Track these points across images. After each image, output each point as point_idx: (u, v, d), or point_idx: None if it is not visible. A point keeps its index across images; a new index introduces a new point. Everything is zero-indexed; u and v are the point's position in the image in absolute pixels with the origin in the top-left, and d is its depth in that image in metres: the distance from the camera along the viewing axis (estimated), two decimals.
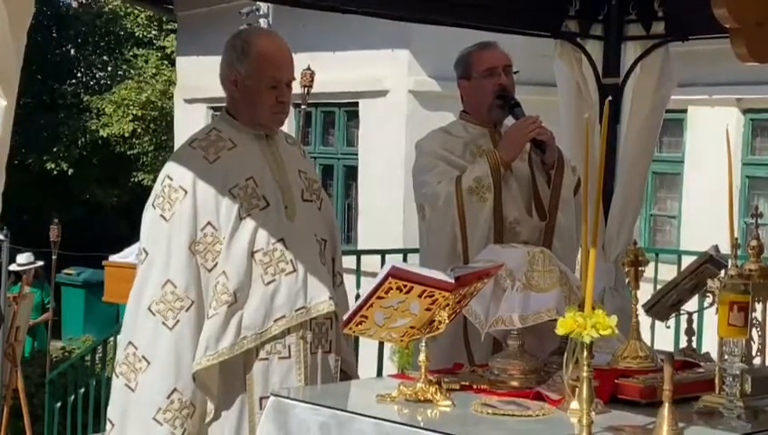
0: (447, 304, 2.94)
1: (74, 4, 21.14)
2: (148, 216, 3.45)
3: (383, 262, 6.23)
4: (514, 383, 3.12)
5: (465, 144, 4.08)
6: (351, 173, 12.04)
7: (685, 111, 10.09)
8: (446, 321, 2.97)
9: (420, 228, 4.13)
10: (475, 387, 3.14)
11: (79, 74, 20.48)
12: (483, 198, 3.92)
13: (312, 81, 8.96)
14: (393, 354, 9.33)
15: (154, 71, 19.13)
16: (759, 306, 2.95)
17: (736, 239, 3.06)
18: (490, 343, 3.63)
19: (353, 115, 11.94)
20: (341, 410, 2.88)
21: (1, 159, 2.81)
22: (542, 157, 4.04)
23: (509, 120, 4.12)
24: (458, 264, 3.79)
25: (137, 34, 19.90)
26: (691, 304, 3.71)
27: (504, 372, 3.16)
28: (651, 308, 3.71)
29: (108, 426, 3.46)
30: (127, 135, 18.46)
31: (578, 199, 4.06)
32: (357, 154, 11.84)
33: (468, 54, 4.16)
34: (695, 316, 3.65)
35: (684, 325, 3.66)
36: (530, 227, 3.98)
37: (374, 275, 2.95)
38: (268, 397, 3.11)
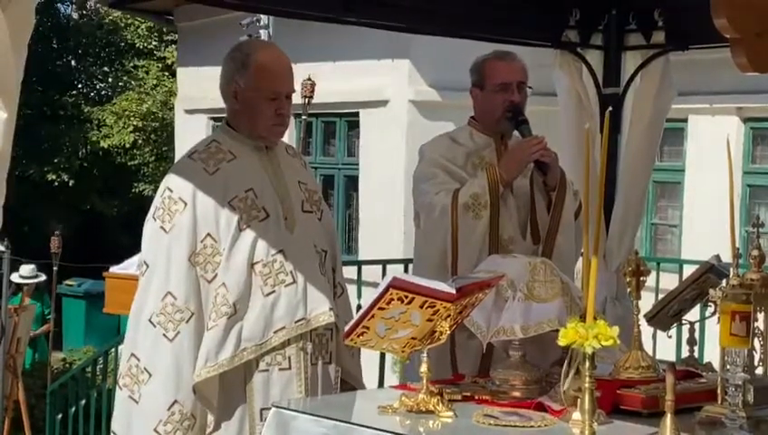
0: (449, 315, 2.93)
1: (75, 16, 21.16)
2: (149, 228, 3.45)
3: (384, 272, 6.22)
4: (516, 394, 3.12)
5: (468, 154, 4.05)
6: (352, 183, 12.03)
7: (685, 120, 10.08)
8: (448, 331, 2.97)
9: (415, 234, 4.12)
10: (476, 398, 3.13)
11: (80, 85, 20.48)
12: (478, 215, 3.88)
13: (313, 91, 8.95)
14: (395, 365, 9.30)
15: (155, 81, 19.15)
16: (761, 316, 2.94)
17: (738, 249, 3.06)
18: (478, 355, 3.61)
19: (354, 125, 11.94)
20: (343, 421, 2.88)
21: (2, 171, 2.80)
22: (545, 178, 4.00)
23: (517, 134, 4.09)
24: (446, 276, 3.76)
25: (137, 45, 19.91)
26: (693, 314, 3.71)
27: (505, 383, 3.15)
28: (653, 318, 3.71)
29: None
30: (128, 146, 18.48)
31: (579, 223, 4.01)
32: (357, 164, 11.83)
33: (484, 63, 4.09)
34: (696, 326, 3.64)
35: (686, 335, 3.65)
36: (523, 248, 3.92)
37: (375, 285, 2.95)
38: (269, 408, 3.11)
